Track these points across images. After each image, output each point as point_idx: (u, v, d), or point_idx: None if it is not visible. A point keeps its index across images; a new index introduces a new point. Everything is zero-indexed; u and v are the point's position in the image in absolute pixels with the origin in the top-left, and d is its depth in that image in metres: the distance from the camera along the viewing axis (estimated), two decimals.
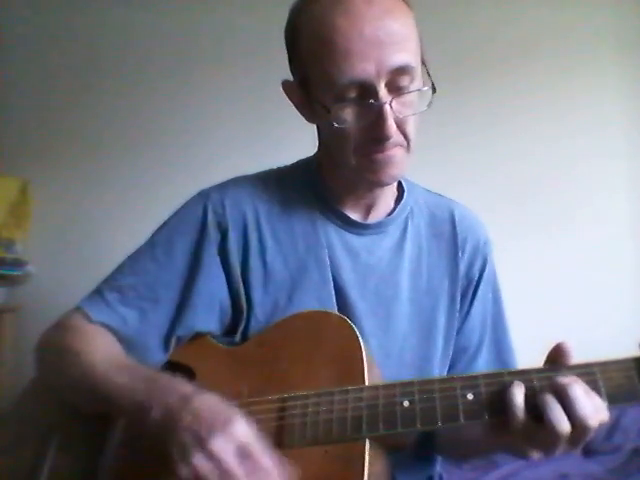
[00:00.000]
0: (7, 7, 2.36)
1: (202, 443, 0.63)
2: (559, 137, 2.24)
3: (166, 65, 2.34)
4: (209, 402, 0.67)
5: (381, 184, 0.84)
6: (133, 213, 2.23)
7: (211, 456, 0.62)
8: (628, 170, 2.24)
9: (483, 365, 0.92)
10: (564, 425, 0.63)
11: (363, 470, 0.66)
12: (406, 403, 0.68)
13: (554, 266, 2.18)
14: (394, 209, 0.92)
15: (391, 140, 0.76)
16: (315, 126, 0.90)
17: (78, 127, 2.37)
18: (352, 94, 0.75)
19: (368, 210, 0.91)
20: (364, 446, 0.67)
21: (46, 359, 0.84)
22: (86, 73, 2.38)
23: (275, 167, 0.96)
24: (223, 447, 0.63)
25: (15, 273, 2.19)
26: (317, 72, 0.77)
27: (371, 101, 0.74)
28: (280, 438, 0.71)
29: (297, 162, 0.96)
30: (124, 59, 2.37)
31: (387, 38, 0.73)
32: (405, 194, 0.94)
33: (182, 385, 0.70)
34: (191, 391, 0.69)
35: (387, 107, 0.74)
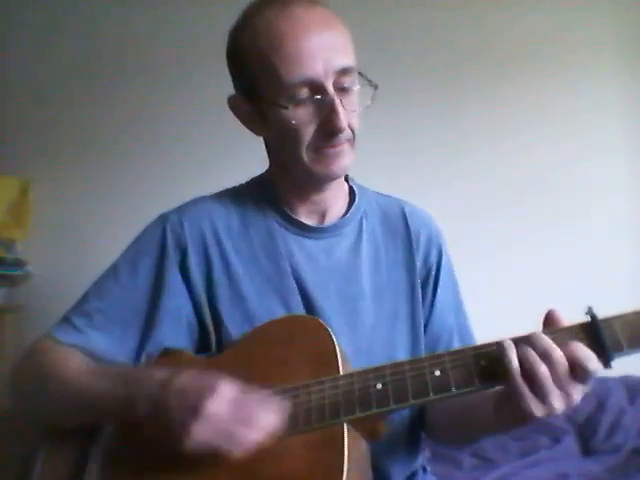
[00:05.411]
0: (7, 7, 2.36)
1: (195, 412, 0.66)
2: (558, 137, 2.25)
3: (167, 65, 2.34)
4: (188, 378, 0.71)
5: (332, 176, 0.89)
6: (133, 213, 2.22)
7: (207, 419, 0.66)
8: (628, 170, 2.25)
9: None
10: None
11: (343, 453, 0.68)
12: (379, 385, 0.72)
13: (553, 266, 2.18)
14: (347, 212, 0.96)
15: (343, 134, 0.83)
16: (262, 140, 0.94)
17: (78, 127, 2.37)
18: (303, 94, 0.81)
19: (322, 215, 0.95)
20: (343, 429, 0.70)
21: (23, 383, 0.86)
22: (86, 73, 2.37)
23: (231, 187, 0.99)
24: (215, 407, 0.67)
25: (15, 273, 2.19)
26: (268, 77, 0.82)
27: (321, 97, 0.81)
28: None
29: (251, 179, 1.00)
30: (124, 59, 2.37)
31: (331, 41, 0.81)
32: (357, 197, 0.98)
33: (157, 371, 0.74)
34: (167, 375, 0.72)
35: (337, 101, 0.81)
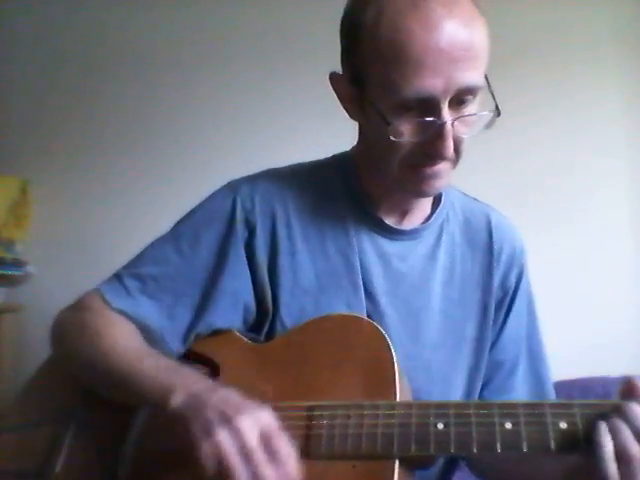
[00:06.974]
0: (6, 6, 2.36)
1: (228, 420, 0.62)
2: (558, 136, 2.24)
3: (166, 65, 2.34)
4: (235, 393, 0.66)
5: (423, 195, 0.83)
6: (133, 213, 2.23)
7: (236, 434, 0.61)
8: (628, 169, 2.24)
9: (521, 380, 0.89)
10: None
11: None
12: (440, 425, 0.65)
13: (552, 265, 2.18)
14: (431, 214, 0.89)
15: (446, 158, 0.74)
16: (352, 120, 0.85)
17: (78, 127, 2.36)
18: (412, 107, 0.71)
19: (404, 215, 0.87)
20: (394, 465, 0.65)
21: (63, 337, 0.83)
22: (86, 73, 2.37)
23: (308, 161, 0.92)
24: (249, 427, 0.62)
25: (15, 273, 2.18)
26: (380, 77, 0.72)
27: (433, 119, 0.71)
28: (307, 448, 0.68)
29: (332, 157, 0.92)
30: (124, 59, 2.36)
31: (463, 53, 0.69)
32: (442, 198, 0.90)
33: (206, 379, 0.70)
34: (215, 384, 0.68)
35: (449, 126, 0.71)
